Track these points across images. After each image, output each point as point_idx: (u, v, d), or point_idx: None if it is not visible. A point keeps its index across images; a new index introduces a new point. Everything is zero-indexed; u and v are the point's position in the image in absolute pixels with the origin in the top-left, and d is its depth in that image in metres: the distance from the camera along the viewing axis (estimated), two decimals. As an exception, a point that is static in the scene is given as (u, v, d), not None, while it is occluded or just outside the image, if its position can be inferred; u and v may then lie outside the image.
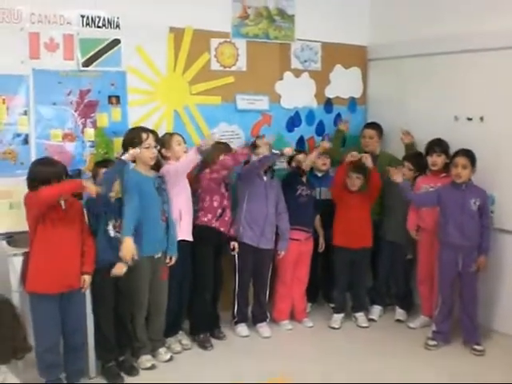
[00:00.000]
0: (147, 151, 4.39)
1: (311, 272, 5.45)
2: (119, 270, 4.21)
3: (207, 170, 4.81)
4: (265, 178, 5.10)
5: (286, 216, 5.17)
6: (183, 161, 4.55)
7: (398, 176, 5.01)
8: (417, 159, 5.32)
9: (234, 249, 5.00)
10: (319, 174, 5.54)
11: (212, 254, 4.87)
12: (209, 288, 4.90)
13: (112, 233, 4.24)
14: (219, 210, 4.86)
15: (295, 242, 5.22)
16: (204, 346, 4.87)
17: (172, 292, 4.70)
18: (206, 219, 4.83)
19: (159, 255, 4.53)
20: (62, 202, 3.94)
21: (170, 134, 4.78)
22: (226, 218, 4.91)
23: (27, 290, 3.94)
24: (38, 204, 3.79)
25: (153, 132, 4.55)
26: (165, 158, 4.73)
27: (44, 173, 3.88)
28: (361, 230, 5.32)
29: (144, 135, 4.40)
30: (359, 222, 5.30)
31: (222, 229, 4.89)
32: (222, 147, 4.93)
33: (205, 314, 4.94)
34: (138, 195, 4.33)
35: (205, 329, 4.96)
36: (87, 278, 4.06)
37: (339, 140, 5.85)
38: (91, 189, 3.94)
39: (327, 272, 5.64)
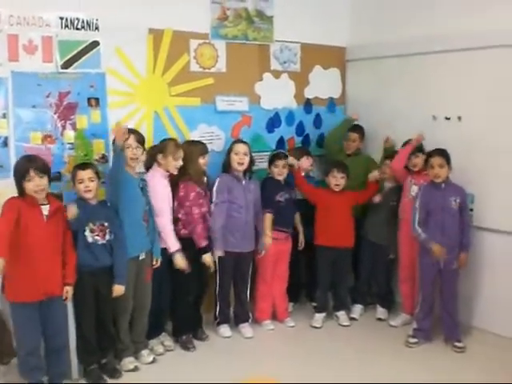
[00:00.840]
0: (127, 151, 4.42)
1: (293, 272, 5.48)
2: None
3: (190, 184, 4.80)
4: (243, 182, 5.11)
5: (262, 216, 5.18)
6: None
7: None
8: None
9: (208, 265, 4.91)
10: (302, 173, 5.54)
11: (194, 261, 4.81)
12: (192, 291, 4.89)
13: (90, 239, 4.20)
14: (200, 219, 4.84)
15: (274, 240, 5.22)
16: (186, 347, 4.87)
17: (153, 294, 4.70)
18: (187, 231, 4.81)
19: (143, 256, 4.53)
20: (45, 208, 3.93)
21: (175, 146, 4.73)
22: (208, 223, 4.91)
23: (6, 299, 3.90)
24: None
25: (137, 133, 4.55)
26: (158, 163, 4.72)
27: (23, 165, 3.91)
28: (342, 229, 5.35)
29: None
30: (341, 221, 5.33)
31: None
32: (201, 147, 4.94)
33: (187, 316, 4.94)
34: (120, 194, 4.34)
35: (187, 330, 4.96)
36: (69, 290, 4.05)
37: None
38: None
39: (310, 271, 5.67)
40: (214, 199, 4.97)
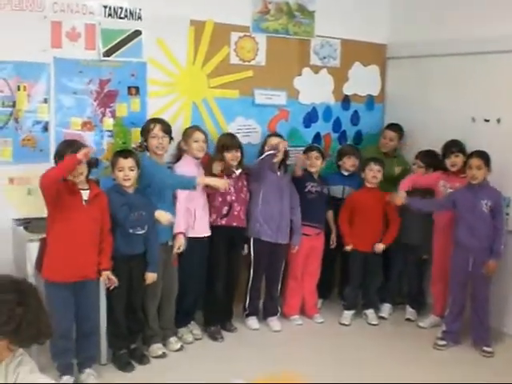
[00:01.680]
0: (153, 140, 4.48)
1: (326, 268, 5.48)
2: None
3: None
4: (278, 173, 5.12)
5: (298, 210, 5.19)
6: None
7: (397, 200, 5.07)
8: (427, 157, 5.33)
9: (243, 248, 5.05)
10: (345, 173, 5.55)
11: (223, 249, 4.88)
12: (219, 279, 4.92)
13: (130, 229, 4.24)
14: (225, 208, 4.87)
15: (305, 237, 5.24)
16: (215, 337, 4.90)
17: (188, 282, 4.76)
18: (211, 219, 4.86)
19: (171, 243, 4.59)
20: (85, 192, 3.98)
21: (194, 129, 4.80)
22: (236, 213, 4.92)
23: (43, 277, 3.98)
24: (42, 187, 3.82)
25: (163, 122, 4.58)
26: (182, 151, 4.78)
27: (63, 149, 3.95)
28: (374, 233, 5.33)
29: (151, 125, 4.51)
30: (373, 223, 5.31)
31: (234, 224, 4.92)
32: (225, 140, 4.95)
33: (216, 306, 4.98)
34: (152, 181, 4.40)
35: (216, 321, 5.00)
36: (108, 274, 4.11)
37: None
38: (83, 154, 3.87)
39: (343, 269, 5.68)
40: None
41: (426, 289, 5.60)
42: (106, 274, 4.10)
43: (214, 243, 4.85)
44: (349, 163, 5.52)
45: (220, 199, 4.85)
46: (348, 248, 5.34)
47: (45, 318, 2.38)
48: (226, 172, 4.86)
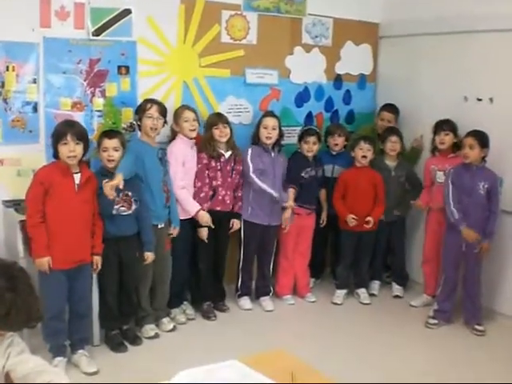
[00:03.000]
0: (148, 120, 4.45)
1: (318, 248, 5.51)
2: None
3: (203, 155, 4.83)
4: (272, 154, 5.10)
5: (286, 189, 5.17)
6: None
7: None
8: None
9: (232, 226, 5.02)
10: (333, 152, 5.52)
11: (208, 230, 4.85)
12: (202, 260, 4.93)
13: (114, 210, 4.21)
14: (210, 193, 4.86)
15: (296, 216, 5.25)
16: (208, 316, 4.93)
17: (176, 264, 4.76)
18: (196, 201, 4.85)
19: (162, 225, 4.57)
20: (77, 176, 3.95)
21: (183, 109, 4.77)
22: (220, 197, 4.91)
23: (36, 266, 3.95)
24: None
25: (160, 104, 4.55)
26: (174, 132, 4.75)
27: (62, 128, 3.92)
28: (366, 212, 5.31)
29: (148, 105, 4.48)
30: (364, 202, 5.31)
31: (217, 208, 4.90)
32: (213, 117, 4.93)
33: (202, 284, 4.98)
34: (139, 164, 4.35)
35: (205, 299, 5.01)
36: (98, 259, 4.11)
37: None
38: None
39: (335, 249, 5.71)
40: (251, 168, 4.97)
41: (409, 264, 5.75)
42: (97, 259, 4.10)
43: (198, 224, 4.83)
44: (333, 142, 5.50)
45: (203, 183, 4.82)
46: (350, 219, 5.26)
47: (35, 303, 2.36)
48: (215, 155, 4.84)
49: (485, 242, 4.75)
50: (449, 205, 4.81)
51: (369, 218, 5.25)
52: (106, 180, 4.04)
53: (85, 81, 4.58)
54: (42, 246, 3.84)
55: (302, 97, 5.77)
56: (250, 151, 5.00)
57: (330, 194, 5.45)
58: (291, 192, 5.14)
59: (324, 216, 5.50)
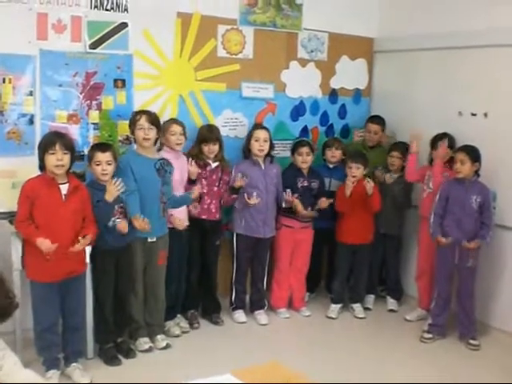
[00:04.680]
0: (139, 132, 4.45)
1: (313, 262, 5.49)
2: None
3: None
4: (263, 166, 5.11)
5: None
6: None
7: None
8: (405, 148, 5.42)
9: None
10: (330, 166, 5.54)
11: (195, 240, 4.90)
12: (191, 269, 4.95)
13: (110, 223, 4.20)
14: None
15: (289, 229, 5.26)
16: (191, 323, 4.97)
17: (170, 276, 4.74)
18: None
19: (153, 239, 4.53)
20: (64, 187, 3.93)
21: (171, 122, 4.77)
22: (205, 206, 4.93)
23: (28, 277, 3.96)
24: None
25: (149, 113, 4.53)
26: (162, 144, 4.77)
27: (49, 138, 3.93)
28: (361, 226, 5.33)
29: (137, 116, 4.48)
30: (360, 216, 5.29)
31: (203, 217, 4.93)
32: (204, 134, 4.94)
33: (184, 293, 4.96)
34: (132, 176, 4.36)
35: (190, 307, 5.02)
36: (86, 239, 3.97)
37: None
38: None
39: (331, 263, 5.71)
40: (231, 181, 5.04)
41: (403, 278, 5.76)
42: (87, 237, 3.99)
43: (186, 233, 4.83)
44: (329, 154, 5.52)
45: (188, 187, 4.83)
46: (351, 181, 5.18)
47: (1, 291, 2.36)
48: (201, 163, 4.88)
49: (475, 240, 4.74)
50: (431, 216, 4.90)
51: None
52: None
53: (81, 93, 4.59)
54: (34, 232, 3.82)
55: (298, 111, 5.79)
56: (233, 172, 5.04)
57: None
58: (288, 192, 5.14)
59: (299, 208, 5.23)
